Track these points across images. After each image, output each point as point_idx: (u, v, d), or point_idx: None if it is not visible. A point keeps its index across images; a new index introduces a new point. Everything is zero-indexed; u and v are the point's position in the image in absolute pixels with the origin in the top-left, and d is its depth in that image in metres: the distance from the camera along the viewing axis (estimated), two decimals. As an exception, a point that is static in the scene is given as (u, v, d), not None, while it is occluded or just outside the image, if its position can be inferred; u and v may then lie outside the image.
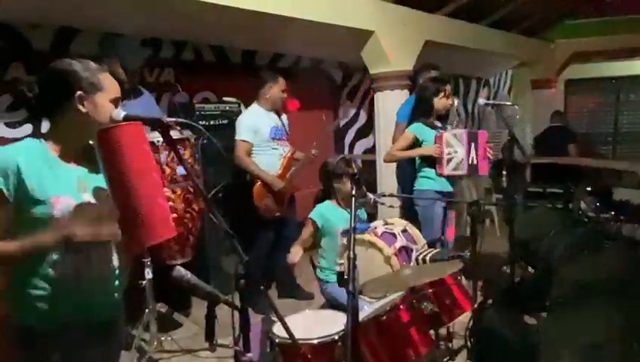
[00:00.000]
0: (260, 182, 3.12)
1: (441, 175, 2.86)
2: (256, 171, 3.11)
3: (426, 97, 2.98)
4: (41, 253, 1.16)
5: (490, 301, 2.37)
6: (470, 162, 2.80)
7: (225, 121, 3.46)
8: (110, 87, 1.23)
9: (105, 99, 1.22)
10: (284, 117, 3.36)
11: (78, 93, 1.19)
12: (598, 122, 7.59)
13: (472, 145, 2.81)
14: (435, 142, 2.86)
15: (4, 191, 1.12)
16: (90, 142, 1.25)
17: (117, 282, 1.32)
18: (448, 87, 2.97)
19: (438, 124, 2.99)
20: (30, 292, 1.19)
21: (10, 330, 1.22)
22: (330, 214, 2.55)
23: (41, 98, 1.23)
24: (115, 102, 1.24)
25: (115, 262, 1.30)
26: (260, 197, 3.13)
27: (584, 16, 6.55)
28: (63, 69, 1.21)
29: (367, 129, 5.36)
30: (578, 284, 2.34)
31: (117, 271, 1.31)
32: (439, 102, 2.95)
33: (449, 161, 2.80)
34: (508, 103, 3.06)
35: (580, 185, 3.80)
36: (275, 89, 3.18)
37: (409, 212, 3.09)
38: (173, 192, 2.34)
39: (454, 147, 2.79)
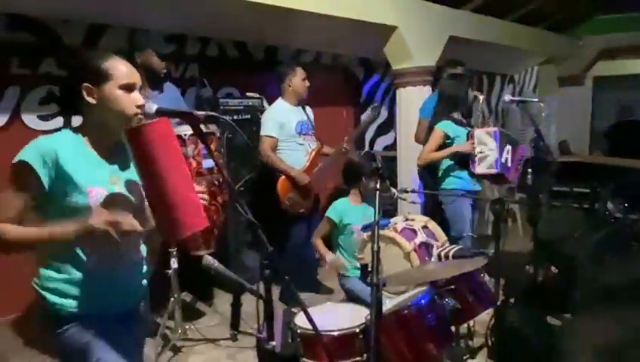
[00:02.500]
0: (284, 177, 3.10)
1: (473, 174, 2.81)
2: (281, 166, 3.09)
3: (451, 93, 2.93)
4: (62, 244, 1.15)
5: (512, 300, 2.35)
6: (503, 161, 2.73)
7: (248, 116, 3.50)
8: (120, 73, 1.20)
9: (114, 87, 1.19)
10: (309, 110, 3.33)
11: (84, 85, 1.18)
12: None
13: (507, 147, 2.74)
14: (467, 140, 2.81)
15: (42, 178, 1.14)
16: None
17: (145, 268, 1.36)
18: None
19: (463, 121, 2.94)
20: (59, 277, 1.22)
21: (40, 314, 1.26)
22: (346, 211, 2.58)
23: (60, 95, 1.26)
24: (128, 88, 1.21)
25: (144, 248, 1.34)
26: (284, 191, 3.11)
27: (614, 12, 6.35)
28: (72, 64, 1.23)
29: (388, 125, 5.34)
30: (603, 286, 2.29)
31: (145, 258, 1.35)
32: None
33: (481, 159, 2.74)
34: (534, 100, 2.98)
35: (608, 184, 3.70)
36: (297, 79, 3.16)
37: (433, 210, 3.05)
38: (199, 185, 2.40)
39: (487, 145, 2.72)
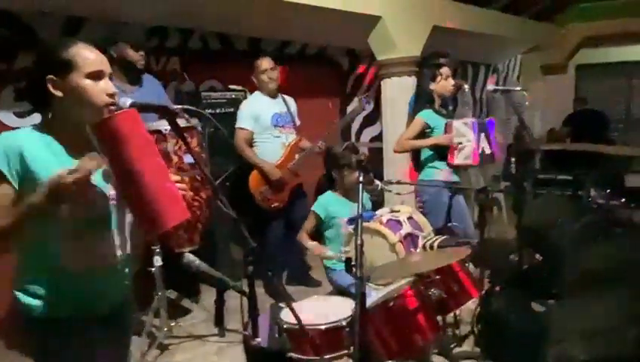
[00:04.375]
0: (255, 171, 3.09)
1: (450, 165, 2.82)
2: (253, 159, 3.08)
3: (424, 85, 2.92)
4: (38, 216, 1.08)
5: (497, 288, 2.37)
6: (480, 152, 2.75)
7: (231, 109, 3.45)
8: (85, 61, 1.14)
9: (79, 76, 1.13)
10: (290, 102, 3.29)
11: (49, 77, 1.12)
12: (609, 108, 7.45)
13: (482, 134, 2.76)
14: (445, 131, 2.81)
15: (7, 175, 1.10)
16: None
17: (126, 269, 1.32)
18: (445, 69, 2.86)
19: (444, 112, 2.94)
20: (35, 281, 1.19)
21: (17, 318, 1.22)
22: (332, 205, 2.56)
23: (26, 90, 1.18)
24: (95, 76, 1.14)
25: (124, 248, 1.30)
26: (255, 186, 3.10)
27: (596, -1, 6.41)
28: (35, 57, 1.17)
29: (374, 117, 5.33)
30: (587, 272, 2.33)
31: (125, 258, 1.30)
32: (440, 86, 2.86)
33: (460, 150, 2.75)
34: (517, 89, 2.99)
35: (591, 171, 3.76)
36: (257, 73, 3.13)
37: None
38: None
39: (465, 136, 2.73)
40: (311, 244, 2.50)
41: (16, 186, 1.11)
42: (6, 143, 1.11)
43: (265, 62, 3.13)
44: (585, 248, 2.54)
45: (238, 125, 3.10)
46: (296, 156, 3.19)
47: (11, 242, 1.14)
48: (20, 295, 1.20)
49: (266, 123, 3.12)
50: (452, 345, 2.23)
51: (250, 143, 3.11)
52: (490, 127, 2.82)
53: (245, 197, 3.11)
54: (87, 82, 1.14)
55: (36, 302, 1.19)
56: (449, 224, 2.76)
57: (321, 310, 1.79)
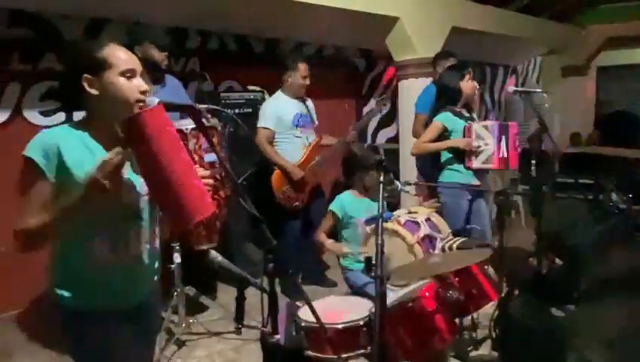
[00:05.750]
0: (278, 170, 3.12)
1: (469, 168, 2.78)
2: (275, 159, 3.12)
3: (451, 84, 2.90)
4: (74, 214, 1.11)
5: (516, 292, 2.35)
6: (500, 155, 2.70)
7: (249, 110, 3.49)
8: (119, 60, 1.17)
9: (114, 75, 1.16)
10: (310, 103, 3.32)
11: (84, 76, 1.16)
12: (631, 110, 7.27)
13: (503, 137, 2.71)
14: (464, 134, 2.78)
15: (46, 171, 1.13)
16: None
17: (155, 264, 1.36)
18: (470, 70, 2.87)
19: (466, 114, 2.91)
20: (69, 274, 1.22)
21: (52, 311, 1.25)
22: (350, 205, 2.56)
23: (61, 90, 1.23)
24: (129, 74, 1.18)
25: (157, 243, 1.33)
26: (278, 185, 3.13)
27: (617, 0, 6.27)
28: (69, 57, 1.20)
29: (390, 118, 5.31)
30: (607, 277, 2.29)
31: (155, 253, 1.34)
32: (467, 86, 2.85)
33: (478, 153, 2.71)
34: (537, 90, 2.95)
35: (612, 176, 3.68)
36: (297, 75, 3.15)
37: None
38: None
39: (484, 139, 2.69)
40: (329, 242, 2.50)
41: (52, 181, 1.15)
42: (45, 141, 1.15)
43: (303, 68, 3.17)
44: (605, 253, 2.50)
45: (260, 124, 3.13)
46: (317, 157, 3.22)
47: (50, 238, 1.17)
48: (55, 284, 1.23)
49: (288, 123, 3.15)
50: (469, 348, 2.22)
51: (271, 143, 3.15)
52: (511, 130, 2.75)
53: (264, 195, 3.14)
54: (122, 80, 1.18)
55: (70, 295, 1.22)
56: (468, 226, 2.74)
57: (337, 310, 1.80)
